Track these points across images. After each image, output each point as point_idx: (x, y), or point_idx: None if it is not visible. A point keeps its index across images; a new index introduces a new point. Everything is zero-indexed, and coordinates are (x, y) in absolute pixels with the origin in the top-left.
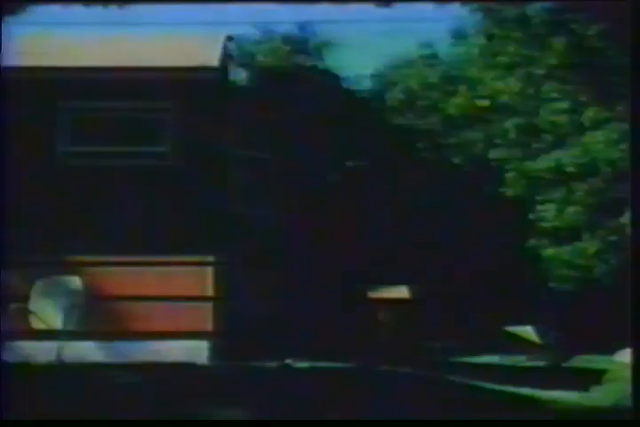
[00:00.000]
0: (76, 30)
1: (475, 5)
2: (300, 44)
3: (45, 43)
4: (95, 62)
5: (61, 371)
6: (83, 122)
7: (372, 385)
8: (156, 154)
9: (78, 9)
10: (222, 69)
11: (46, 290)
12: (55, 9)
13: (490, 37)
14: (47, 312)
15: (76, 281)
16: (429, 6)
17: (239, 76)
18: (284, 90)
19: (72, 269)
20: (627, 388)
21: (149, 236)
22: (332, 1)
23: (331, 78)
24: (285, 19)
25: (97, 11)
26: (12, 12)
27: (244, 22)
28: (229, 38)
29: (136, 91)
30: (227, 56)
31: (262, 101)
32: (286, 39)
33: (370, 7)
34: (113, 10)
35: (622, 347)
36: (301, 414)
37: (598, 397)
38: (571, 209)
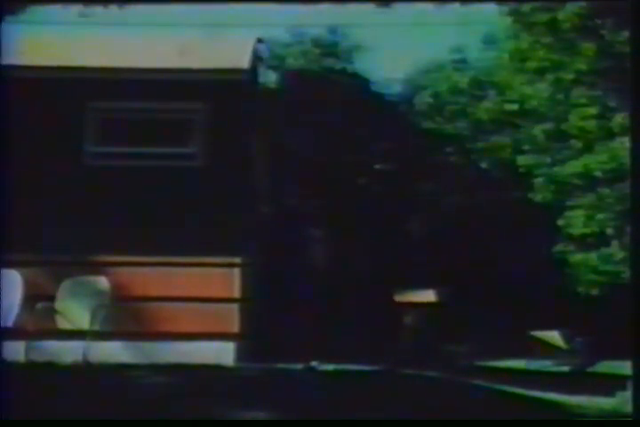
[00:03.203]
0: (120, 31)
1: (505, 10)
2: (331, 47)
3: (55, 42)
4: (133, 63)
5: (87, 371)
6: (111, 122)
7: (398, 389)
8: (185, 155)
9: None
10: (252, 71)
11: (73, 290)
12: (58, 9)
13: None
14: (74, 312)
15: (102, 281)
16: (460, 10)
17: (269, 78)
18: (314, 93)
19: (99, 269)
20: None
21: (176, 237)
22: (332, 1)
23: (360, 82)
24: (316, 22)
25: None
26: (12, 11)
27: (275, 25)
28: (260, 41)
29: (165, 91)
30: (257, 58)
31: (291, 104)
32: (316, 42)
33: (400, 10)
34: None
35: None
36: (326, 417)
37: (623, 402)
38: (599, 215)
